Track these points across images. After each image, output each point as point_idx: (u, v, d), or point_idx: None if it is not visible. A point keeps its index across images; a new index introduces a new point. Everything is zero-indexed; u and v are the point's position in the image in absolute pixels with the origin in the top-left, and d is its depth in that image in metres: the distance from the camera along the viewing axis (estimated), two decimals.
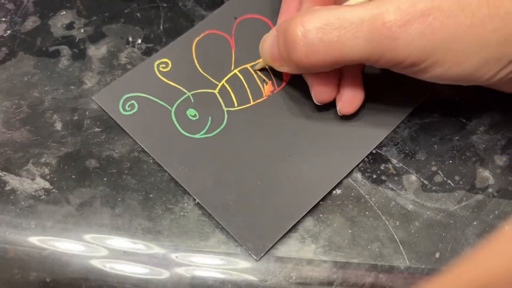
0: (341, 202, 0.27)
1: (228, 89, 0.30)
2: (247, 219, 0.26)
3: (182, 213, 0.26)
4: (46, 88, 0.30)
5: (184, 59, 0.31)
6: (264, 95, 0.30)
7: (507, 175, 0.27)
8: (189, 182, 0.27)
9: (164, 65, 0.31)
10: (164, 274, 0.25)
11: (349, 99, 0.28)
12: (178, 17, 0.33)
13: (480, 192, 0.27)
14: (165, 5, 0.34)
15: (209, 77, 0.30)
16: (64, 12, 0.33)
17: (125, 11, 0.33)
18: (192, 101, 0.30)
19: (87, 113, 0.29)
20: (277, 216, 0.26)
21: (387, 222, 0.26)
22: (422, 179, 0.27)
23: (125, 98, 0.29)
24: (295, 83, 0.30)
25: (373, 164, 0.28)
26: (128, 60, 0.31)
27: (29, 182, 0.27)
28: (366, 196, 0.27)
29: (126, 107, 0.29)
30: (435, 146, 0.28)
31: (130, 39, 0.32)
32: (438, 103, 0.30)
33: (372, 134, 0.28)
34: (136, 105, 0.29)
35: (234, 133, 0.29)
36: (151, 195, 0.27)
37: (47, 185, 0.27)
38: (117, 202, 0.26)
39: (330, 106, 0.29)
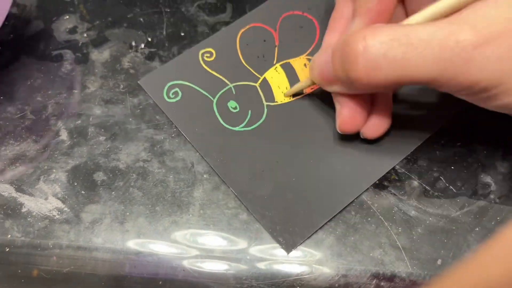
0: (343, 208, 0.27)
1: (269, 83, 0.30)
2: (279, 214, 0.26)
3: (187, 224, 0.26)
4: (49, 92, 0.30)
5: (228, 50, 0.31)
6: (304, 92, 0.30)
7: (509, 181, 0.27)
8: (226, 173, 0.27)
9: (208, 55, 0.31)
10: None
11: (376, 125, 0.27)
12: (181, 22, 0.33)
13: (482, 198, 0.27)
14: (168, 10, 0.34)
15: (252, 70, 0.31)
16: (67, 17, 0.33)
17: (128, 16, 0.33)
18: (234, 93, 0.30)
19: (90, 119, 0.29)
20: (309, 213, 0.26)
21: (389, 228, 0.26)
22: (424, 185, 0.27)
23: (170, 85, 0.30)
24: None
25: None
26: (131, 64, 0.31)
27: (42, 202, 0.27)
28: (368, 202, 0.27)
29: (170, 95, 0.30)
30: (437, 152, 0.28)
31: (133, 43, 0.32)
32: None
33: (408, 136, 0.28)
34: (180, 93, 0.30)
35: (272, 128, 0.29)
36: (157, 208, 0.27)
37: (59, 204, 0.27)
38: (125, 217, 0.27)
39: None
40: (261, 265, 0.25)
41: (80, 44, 0.32)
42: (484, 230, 0.26)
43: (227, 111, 0.29)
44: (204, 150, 0.28)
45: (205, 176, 0.28)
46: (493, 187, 0.27)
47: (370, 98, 0.27)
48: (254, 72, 0.31)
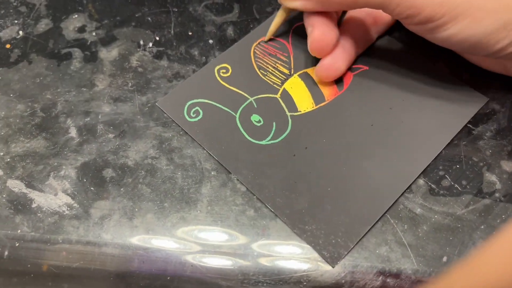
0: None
1: (289, 93, 0.30)
2: (320, 226, 0.26)
3: (196, 220, 0.27)
4: (59, 90, 0.31)
5: (243, 64, 0.31)
6: (326, 99, 0.30)
7: None
8: (260, 189, 0.27)
9: (224, 71, 0.31)
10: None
11: (320, 35, 0.28)
12: (189, 22, 0.33)
13: (487, 196, 0.27)
14: (176, 10, 0.34)
15: (270, 82, 0.31)
16: (76, 16, 0.34)
17: (136, 15, 0.34)
18: (255, 106, 0.30)
19: (99, 116, 0.30)
20: (350, 223, 0.26)
21: (395, 226, 0.26)
22: (430, 183, 0.28)
23: (189, 105, 0.30)
24: (357, 87, 0.30)
25: None
26: (139, 63, 0.32)
27: (52, 198, 0.27)
28: None
29: (191, 114, 0.29)
30: (442, 151, 0.28)
31: (141, 42, 0.33)
32: None
33: (437, 136, 0.29)
34: (201, 112, 0.29)
35: (299, 138, 0.29)
36: (165, 204, 0.27)
37: (69, 200, 0.27)
38: (134, 213, 0.27)
39: (394, 106, 0.29)
40: (268, 261, 0.26)
41: (89, 43, 0.33)
42: (489, 228, 0.26)
43: (251, 126, 0.29)
44: (233, 167, 0.28)
45: (212, 173, 0.28)
46: (498, 185, 0.28)
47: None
48: (273, 84, 0.30)
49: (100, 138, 0.29)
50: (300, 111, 0.30)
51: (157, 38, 0.33)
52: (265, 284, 0.25)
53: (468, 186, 0.28)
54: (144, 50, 0.32)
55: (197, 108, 0.30)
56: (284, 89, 0.30)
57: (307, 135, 0.29)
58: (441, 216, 0.27)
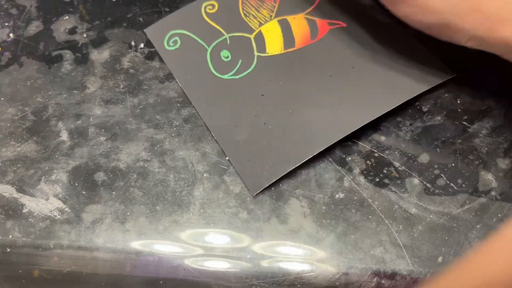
0: (343, 206, 0.27)
1: (263, 35, 0.31)
2: (251, 159, 0.27)
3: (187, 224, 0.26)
4: (50, 93, 0.30)
5: (230, 3, 0.33)
6: (296, 46, 0.31)
7: (510, 178, 0.27)
8: (210, 119, 0.29)
9: (211, 7, 0.32)
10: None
11: None
12: None
13: (483, 195, 0.27)
14: (168, 10, 0.34)
15: (249, 23, 0.32)
16: (67, 17, 0.33)
17: (128, 16, 0.33)
18: (228, 43, 0.31)
19: (91, 119, 0.29)
20: (279, 159, 0.27)
21: (390, 226, 0.26)
22: (424, 182, 0.27)
23: (171, 34, 0.32)
24: (329, 40, 0.31)
25: (375, 167, 0.28)
26: (130, 64, 0.31)
27: (43, 202, 0.27)
28: (369, 199, 0.27)
29: (170, 43, 0.31)
30: (438, 149, 0.28)
31: (133, 43, 0.32)
32: (441, 105, 0.30)
33: (387, 98, 0.29)
34: (179, 42, 0.31)
35: (258, 78, 0.30)
36: (157, 207, 0.27)
37: (60, 204, 0.27)
38: (126, 217, 0.27)
39: (357, 64, 0.30)
40: (262, 264, 0.25)
41: (80, 45, 0.32)
42: (485, 228, 0.26)
43: (219, 60, 0.31)
44: (192, 96, 0.30)
45: (205, 175, 0.28)
46: (494, 184, 0.27)
47: None
48: (251, 25, 0.32)
49: (91, 141, 0.29)
50: (267, 53, 0.31)
51: (149, 39, 0.32)
52: (258, 287, 0.25)
53: (463, 185, 0.27)
54: (136, 51, 0.32)
55: (176, 38, 0.32)
56: (260, 31, 0.32)
57: (267, 76, 0.30)
58: (436, 215, 0.26)
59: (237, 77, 0.30)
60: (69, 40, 0.33)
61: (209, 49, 0.31)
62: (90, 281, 0.25)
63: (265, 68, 0.30)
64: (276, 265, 0.25)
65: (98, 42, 0.32)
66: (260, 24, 0.32)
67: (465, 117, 0.29)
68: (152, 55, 0.32)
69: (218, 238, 0.26)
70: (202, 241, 0.26)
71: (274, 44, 0.31)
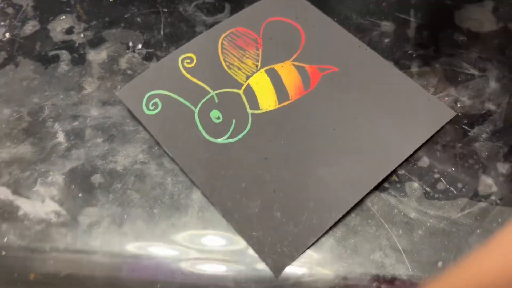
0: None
1: (253, 89, 0.29)
2: (267, 233, 0.25)
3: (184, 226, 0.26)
4: (46, 94, 0.30)
5: (209, 55, 0.30)
6: (290, 98, 0.29)
7: (510, 182, 0.27)
8: (212, 191, 0.26)
9: (189, 61, 0.30)
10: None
11: None
12: (179, 22, 0.33)
13: (483, 199, 0.27)
14: (166, 10, 0.33)
15: (234, 76, 0.29)
16: (64, 17, 0.33)
17: (125, 16, 0.33)
18: (216, 101, 0.28)
19: (88, 121, 0.29)
20: (297, 233, 0.25)
21: (389, 231, 0.26)
22: (424, 187, 0.27)
23: (149, 96, 0.29)
24: (323, 88, 0.29)
25: None
26: (128, 65, 0.31)
27: (39, 205, 0.27)
28: (368, 204, 0.27)
29: (150, 106, 0.28)
30: (438, 153, 0.28)
31: (131, 44, 0.32)
32: None
33: (397, 148, 0.27)
34: (160, 104, 0.28)
35: (258, 139, 0.27)
36: (155, 210, 0.27)
37: (56, 207, 0.27)
38: (123, 220, 0.26)
39: (359, 113, 0.28)
40: (260, 268, 0.25)
41: (77, 45, 0.32)
42: (485, 232, 0.26)
43: (210, 122, 0.28)
44: (187, 166, 0.27)
45: None
46: (494, 188, 0.27)
47: None
48: (237, 79, 0.29)
49: (88, 143, 0.28)
50: (261, 109, 0.28)
51: (147, 39, 0.32)
52: None
53: (463, 189, 0.27)
54: (133, 51, 0.32)
55: (156, 100, 0.29)
56: (248, 84, 0.29)
57: (266, 135, 0.28)
58: (436, 220, 0.26)
59: (233, 140, 0.27)
60: (66, 40, 0.32)
61: (196, 110, 0.28)
62: (86, 285, 0.25)
63: (262, 127, 0.28)
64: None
65: (96, 43, 0.32)
66: (247, 77, 0.29)
67: (465, 121, 0.29)
68: (150, 56, 0.31)
69: (216, 241, 0.26)
70: (200, 244, 0.26)
71: (267, 99, 0.29)
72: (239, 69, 0.30)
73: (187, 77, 0.29)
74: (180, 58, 0.30)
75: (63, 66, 0.31)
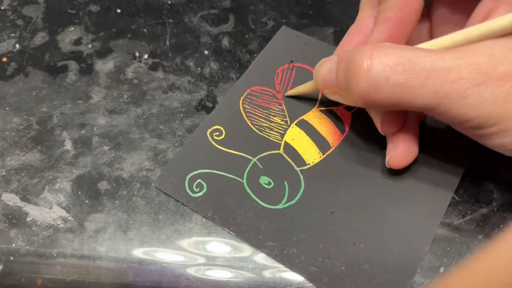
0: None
1: (292, 146, 0.28)
2: (362, 287, 0.24)
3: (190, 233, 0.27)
4: (54, 103, 0.31)
5: (236, 123, 0.29)
6: (331, 145, 0.28)
7: (511, 188, 0.27)
8: (291, 261, 0.25)
9: (217, 133, 0.29)
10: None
11: (402, 153, 0.26)
12: (184, 33, 0.34)
13: (484, 206, 0.27)
14: (171, 21, 0.34)
15: (268, 137, 0.28)
16: (72, 28, 0.34)
17: (132, 27, 0.34)
18: (261, 167, 0.27)
19: (95, 129, 0.30)
20: (391, 279, 0.24)
21: None
22: None
23: (190, 178, 0.27)
24: (358, 126, 0.29)
25: None
26: (134, 75, 0.32)
27: (47, 211, 0.27)
28: None
29: (194, 188, 0.27)
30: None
31: (137, 54, 0.33)
32: None
33: (444, 184, 0.27)
34: (204, 184, 0.27)
35: (316, 195, 0.27)
36: (160, 216, 0.27)
37: (63, 213, 0.27)
38: (129, 226, 0.27)
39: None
40: (264, 274, 0.25)
41: (84, 55, 0.33)
42: (487, 238, 0.26)
43: (262, 189, 0.27)
44: (255, 241, 0.25)
45: None
46: (495, 194, 0.27)
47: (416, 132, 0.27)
48: (272, 139, 0.28)
49: (95, 151, 0.29)
50: (308, 164, 0.28)
51: (153, 50, 0.33)
52: None
53: (465, 196, 0.27)
54: (140, 61, 0.32)
55: (199, 180, 0.27)
56: (285, 142, 0.28)
57: (323, 189, 0.27)
58: (438, 226, 0.26)
59: (292, 202, 0.26)
60: (74, 51, 0.33)
61: (245, 181, 0.27)
62: None
63: (317, 182, 0.27)
64: (278, 275, 0.25)
65: (103, 53, 0.33)
66: (282, 135, 0.28)
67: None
68: (156, 66, 0.32)
69: (220, 247, 0.26)
70: (204, 250, 0.26)
71: (310, 152, 0.28)
72: (270, 129, 0.29)
73: (222, 150, 0.28)
74: (208, 132, 0.29)
75: (71, 76, 0.32)
